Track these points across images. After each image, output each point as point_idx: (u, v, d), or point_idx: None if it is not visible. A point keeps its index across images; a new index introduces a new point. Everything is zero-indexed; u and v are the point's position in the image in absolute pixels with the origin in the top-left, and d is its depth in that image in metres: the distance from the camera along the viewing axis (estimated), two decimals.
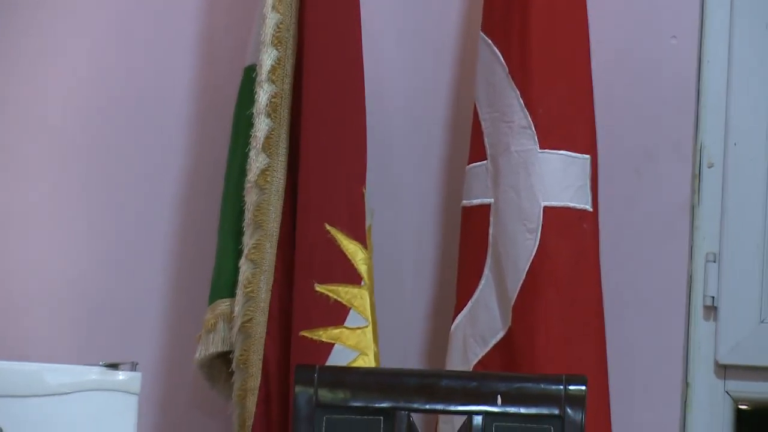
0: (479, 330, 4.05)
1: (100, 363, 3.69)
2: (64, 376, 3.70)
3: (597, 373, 3.96)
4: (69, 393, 3.67)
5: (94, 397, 3.71)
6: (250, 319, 4.04)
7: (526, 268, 3.98)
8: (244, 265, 4.05)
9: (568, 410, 3.61)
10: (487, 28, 4.12)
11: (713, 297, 4.18)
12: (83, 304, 4.40)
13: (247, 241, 4.05)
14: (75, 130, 4.46)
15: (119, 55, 4.48)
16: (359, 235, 4.08)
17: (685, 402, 4.20)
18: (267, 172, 4.06)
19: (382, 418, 3.66)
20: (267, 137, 4.06)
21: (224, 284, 4.11)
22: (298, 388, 3.66)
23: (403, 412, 3.65)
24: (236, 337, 4.06)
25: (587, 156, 4.02)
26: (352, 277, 4.04)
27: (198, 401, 4.32)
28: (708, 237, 4.22)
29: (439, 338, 4.23)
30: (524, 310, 3.99)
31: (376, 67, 4.24)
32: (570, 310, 4.02)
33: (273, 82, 4.06)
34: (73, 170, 4.46)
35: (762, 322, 4.17)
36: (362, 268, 4.05)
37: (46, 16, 4.64)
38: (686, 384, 4.18)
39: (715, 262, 4.20)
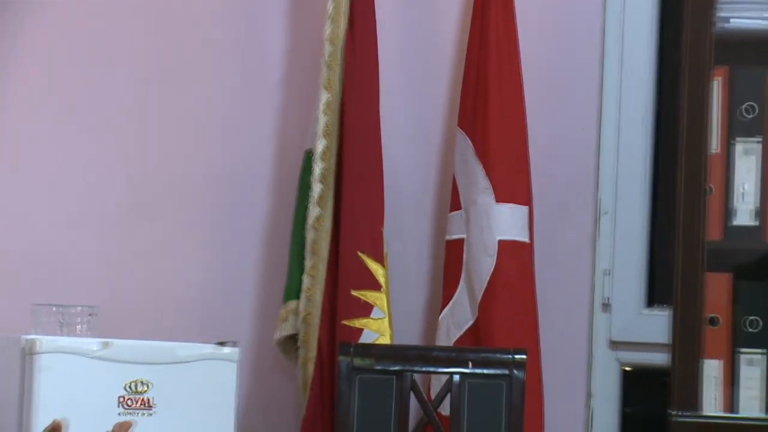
0: (457, 320, 4.09)
1: (213, 342, 3.88)
2: (189, 350, 3.86)
3: (533, 347, 3.99)
4: (192, 361, 3.85)
5: (208, 364, 3.88)
6: (309, 313, 4.10)
7: (487, 280, 4.03)
8: (305, 279, 4.12)
9: (514, 371, 3.75)
10: (461, 122, 4.14)
11: (608, 298, 4.17)
12: (205, 303, 4.39)
13: (307, 263, 4.12)
14: (200, 190, 4.40)
15: (230, 145, 4.43)
16: (379, 258, 4.13)
17: (590, 366, 4.20)
18: (320, 219, 4.10)
19: (394, 377, 3.80)
20: (320, 196, 4.10)
21: (293, 290, 4.16)
22: (340, 358, 3.82)
23: (408, 373, 3.80)
24: (300, 324, 4.11)
25: (526, 206, 4.07)
26: (375, 286, 4.09)
27: (277, 366, 4.29)
28: (604, 259, 4.20)
29: (431, 325, 4.24)
30: (486, 306, 4.03)
31: (391, 151, 4.22)
32: (515, 306, 4.06)
33: (323, 160, 4.10)
34: (196, 215, 4.43)
35: (639, 314, 4.14)
36: (381, 280, 4.11)
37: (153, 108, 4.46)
38: (590, 354, 4.19)
39: (609, 275, 4.19)
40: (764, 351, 3.86)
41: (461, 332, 4.06)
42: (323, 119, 4.09)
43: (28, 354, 3.70)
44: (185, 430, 3.81)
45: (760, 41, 3.94)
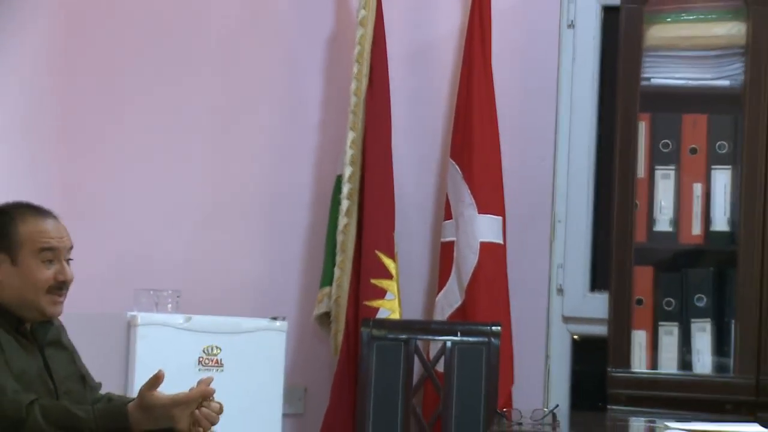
0: (449, 301, 4.09)
1: (268, 317, 4.00)
2: (250, 323, 3.98)
3: (505, 321, 3.99)
4: (252, 332, 3.96)
5: (264, 334, 3.99)
6: (339, 296, 4.10)
7: (471, 271, 4.04)
8: (336, 270, 4.12)
9: (492, 339, 3.79)
10: (453, 155, 4.15)
11: (561, 284, 4.18)
12: (261, 288, 4.31)
13: (338, 258, 4.12)
14: (259, 204, 4.34)
15: (282, 169, 4.35)
16: (391, 255, 4.13)
17: (548, 335, 4.20)
18: (347, 226, 4.12)
19: (402, 343, 3.84)
20: (347, 209, 4.11)
21: (327, 279, 4.16)
22: (362, 329, 3.87)
23: (413, 340, 3.84)
24: (332, 305, 4.11)
25: (500, 217, 4.08)
26: (388, 275, 4.11)
27: (315, 336, 4.27)
28: (558, 255, 4.20)
29: (429, 305, 4.23)
30: (471, 291, 4.05)
31: (400, 175, 4.21)
32: (492, 291, 4.06)
33: (350, 182, 4.12)
34: (256, 222, 4.36)
35: (584, 296, 4.16)
36: (393, 271, 4.12)
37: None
38: (548, 326, 4.19)
39: (562, 268, 4.19)
40: (677, 324, 3.84)
41: (452, 310, 4.09)
42: (349, 152, 4.14)
43: (131, 326, 3.80)
44: (246, 383, 3.85)
45: (673, 94, 3.94)
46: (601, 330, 3.94)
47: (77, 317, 3.22)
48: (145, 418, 2.85)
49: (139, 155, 4.39)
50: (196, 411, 2.88)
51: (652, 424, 3.20)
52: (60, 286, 2.95)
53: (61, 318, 3.08)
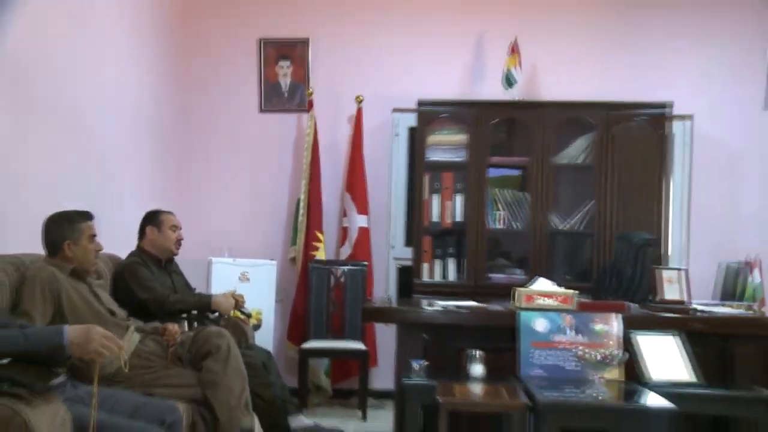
0: (345, 252, 4.08)
1: (269, 259, 4.03)
2: (262, 262, 3.97)
3: (369, 261, 4.04)
4: (263, 266, 3.92)
5: (267, 267, 3.98)
6: (299, 250, 4.13)
7: (354, 240, 4.11)
8: (297, 239, 4.16)
9: (364, 268, 3.93)
10: (347, 189, 4.18)
11: (393, 244, 4.19)
12: (269, 246, 4.25)
13: (299, 234, 4.14)
14: (271, 206, 4.19)
15: (276, 193, 4.26)
16: (321, 232, 4.15)
17: (387, 267, 4.20)
18: (302, 221, 4.15)
19: (328, 270, 3.95)
20: (302, 213, 4.13)
21: (294, 242, 4.19)
22: (309, 264, 3.96)
23: (330, 268, 4.00)
24: (297, 253, 4.15)
25: (366, 215, 4.14)
26: (319, 241, 4.14)
27: (289, 267, 4.23)
28: (392, 231, 4.20)
29: (338, 254, 4.18)
30: (354, 249, 4.10)
31: (325, 199, 4.19)
32: (363, 248, 4.11)
33: (303, 200, 4.13)
34: (269, 216, 4.21)
35: (403, 249, 4.19)
36: (322, 239, 4.16)
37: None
38: (388, 262, 4.21)
39: (394, 237, 4.20)
40: (441, 260, 3.94)
41: (346, 256, 4.18)
42: (303, 188, 4.24)
43: (209, 264, 3.92)
44: (260, 289, 3.88)
45: (439, 165, 3.96)
46: (409, 263, 4.07)
47: (186, 260, 3.38)
48: (216, 302, 3.13)
49: (215, 185, 4.38)
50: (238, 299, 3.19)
51: (430, 301, 2.92)
52: (179, 242, 3.21)
53: (177, 260, 3.28)
